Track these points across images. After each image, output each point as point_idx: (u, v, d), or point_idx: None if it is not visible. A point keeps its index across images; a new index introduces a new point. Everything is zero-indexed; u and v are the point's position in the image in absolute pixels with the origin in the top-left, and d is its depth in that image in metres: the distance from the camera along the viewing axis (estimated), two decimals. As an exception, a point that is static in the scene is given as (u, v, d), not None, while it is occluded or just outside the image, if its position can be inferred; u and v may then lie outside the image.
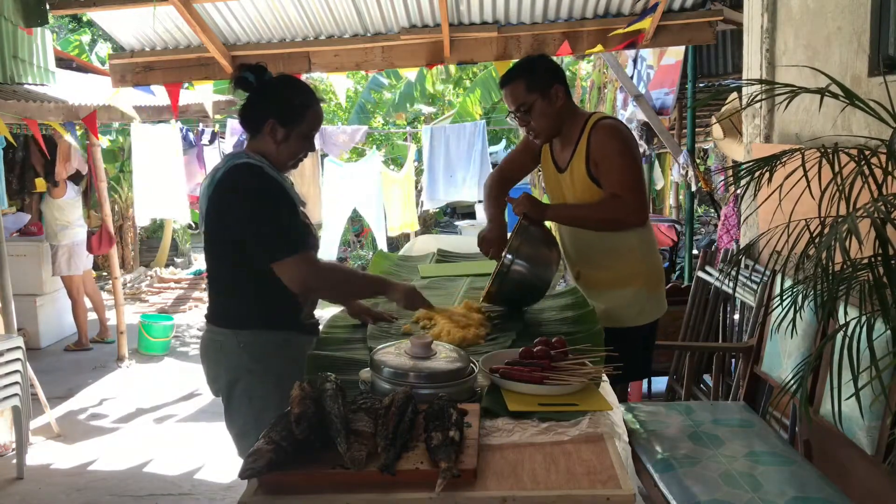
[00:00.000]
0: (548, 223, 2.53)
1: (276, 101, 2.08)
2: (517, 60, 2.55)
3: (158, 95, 5.33)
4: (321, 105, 2.16)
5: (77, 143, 6.15)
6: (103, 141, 6.26)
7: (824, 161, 1.64)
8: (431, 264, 3.16)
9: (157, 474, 4.04)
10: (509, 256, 2.27)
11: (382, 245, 8.57)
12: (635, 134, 6.41)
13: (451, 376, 1.64)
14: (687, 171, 5.09)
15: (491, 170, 7.92)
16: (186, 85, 5.02)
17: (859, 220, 1.48)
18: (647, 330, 2.58)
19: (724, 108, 4.91)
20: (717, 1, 4.57)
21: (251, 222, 1.99)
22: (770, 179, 1.79)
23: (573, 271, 2.61)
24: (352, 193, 8.30)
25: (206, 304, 2.23)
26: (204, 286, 8.43)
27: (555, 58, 3.78)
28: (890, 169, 1.61)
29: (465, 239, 3.74)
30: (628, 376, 2.29)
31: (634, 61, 6.29)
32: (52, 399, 4.82)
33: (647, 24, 3.96)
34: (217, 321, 2.15)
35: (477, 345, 2.04)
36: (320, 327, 2.28)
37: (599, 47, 4.16)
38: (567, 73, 10.43)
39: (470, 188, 7.96)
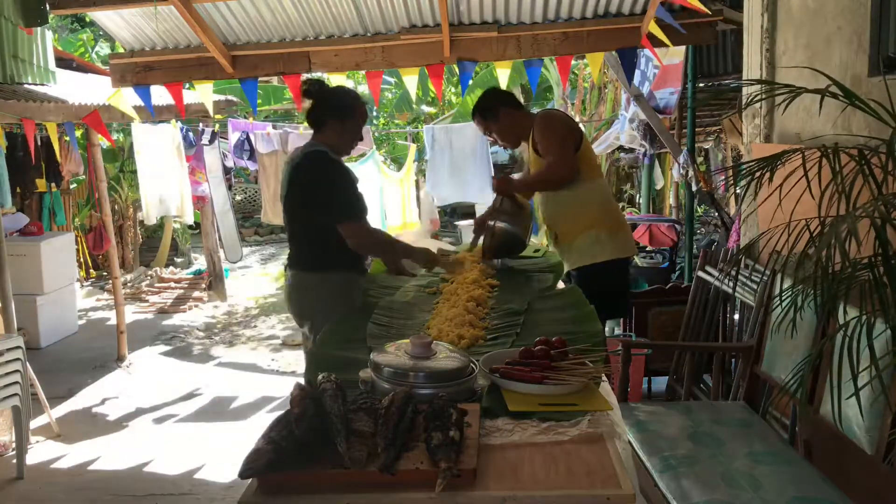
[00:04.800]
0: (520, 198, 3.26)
1: (337, 104, 2.81)
2: (477, 98, 3.35)
3: (159, 95, 5.33)
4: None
5: (74, 144, 6.15)
6: (103, 140, 6.24)
7: (824, 161, 1.64)
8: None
9: (157, 474, 4.04)
10: (492, 220, 3.10)
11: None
12: (637, 134, 6.43)
13: (451, 376, 1.64)
14: (687, 171, 5.09)
15: (493, 170, 7.96)
16: (187, 85, 5.02)
17: (859, 220, 1.48)
18: (615, 268, 3.15)
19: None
20: (717, 1, 4.56)
21: (327, 193, 2.68)
22: (770, 179, 1.79)
23: (551, 234, 3.28)
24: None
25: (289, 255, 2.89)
26: (204, 286, 8.45)
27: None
28: (890, 169, 1.61)
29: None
30: (608, 313, 3.15)
31: (638, 61, 6.26)
32: (52, 399, 4.81)
33: (652, 23, 3.94)
34: (308, 267, 2.81)
35: (477, 345, 2.05)
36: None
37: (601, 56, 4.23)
38: (570, 74, 10.45)
39: (475, 189, 7.94)
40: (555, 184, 3.16)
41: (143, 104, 4.71)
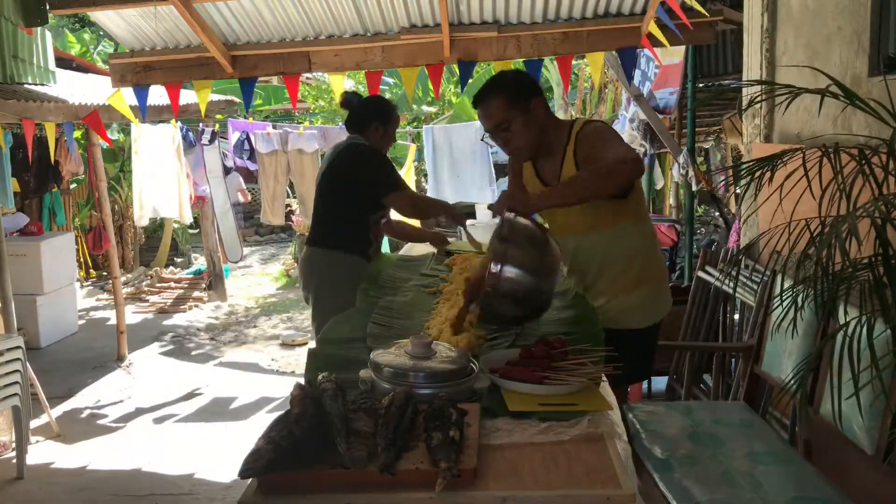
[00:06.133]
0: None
1: (378, 111, 3.27)
2: (491, 77, 2.40)
3: (159, 95, 5.33)
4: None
5: (71, 145, 6.15)
6: (103, 141, 6.25)
7: (825, 161, 1.64)
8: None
9: (157, 474, 4.04)
10: (497, 266, 1.96)
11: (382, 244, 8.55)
12: (637, 134, 6.43)
13: (451, 376, 1.64)
14: (687, 171, 5.09)
15: (493, 170, 7.94)
16: (189, 85, 5.02)
17: (859, 219, 1.48)
18: (653, 330, 2.49)
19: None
20: (717, 1, 4.57)
21: (376, 174, 3.15)
22: (771, 179, 1.79)
23: (580, 288, 2.41)
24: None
25: (310, 233, 3.35)
26: (204, 286, 8.45)
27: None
28: (890, 168, 1.61)
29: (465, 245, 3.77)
30: (633, 377, 2.42)
31: (638, 61, 6.25)
32: (52, 399, 4.81)
33: (651, 24, 3.95)
34: (321, 244, 3.25)
35: (477, 345, 2.04)
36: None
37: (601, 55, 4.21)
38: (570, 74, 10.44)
39: (475, 188, 7.93)
40: (624, 176, 2.13)
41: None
